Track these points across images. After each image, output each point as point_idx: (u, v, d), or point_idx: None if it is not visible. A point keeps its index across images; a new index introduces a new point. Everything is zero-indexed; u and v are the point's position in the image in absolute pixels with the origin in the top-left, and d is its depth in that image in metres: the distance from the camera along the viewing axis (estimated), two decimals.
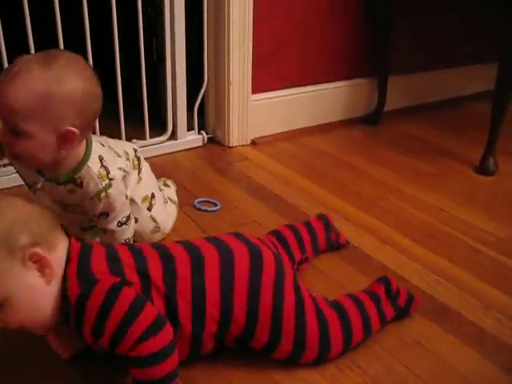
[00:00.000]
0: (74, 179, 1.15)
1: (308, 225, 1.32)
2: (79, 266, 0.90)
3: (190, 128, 2.03)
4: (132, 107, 1.93)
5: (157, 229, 1.36)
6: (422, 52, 2.41)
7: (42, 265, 0.87)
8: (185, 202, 1.61)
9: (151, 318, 0.86)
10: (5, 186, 1.62)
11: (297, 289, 1.02)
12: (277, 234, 1.24)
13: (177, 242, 1.05)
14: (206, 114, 2.08)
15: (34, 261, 0.86)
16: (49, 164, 1.13)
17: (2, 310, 0.85)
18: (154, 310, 0.88)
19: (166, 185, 1.57)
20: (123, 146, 1.31)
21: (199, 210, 1.58)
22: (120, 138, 1.86)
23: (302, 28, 2.06)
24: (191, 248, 1.01)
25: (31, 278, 0.86)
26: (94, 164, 1.14)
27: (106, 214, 1.19)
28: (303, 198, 1.65)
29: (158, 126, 2.01)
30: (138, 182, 1.32)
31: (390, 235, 1.45)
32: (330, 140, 2.13)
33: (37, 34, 1.63)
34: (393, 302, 1.11)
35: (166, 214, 1.41)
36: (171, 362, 0.86)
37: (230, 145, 2.03)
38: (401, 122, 2.32)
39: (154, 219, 1.35)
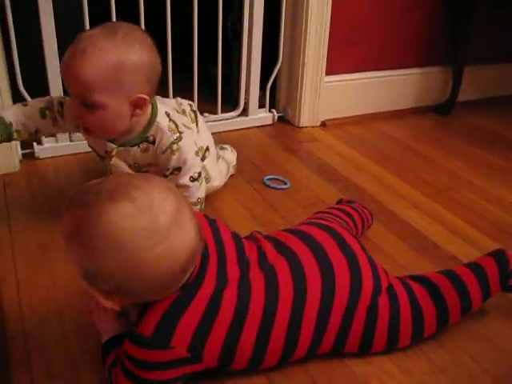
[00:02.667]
0: (146, 138, 1.20)
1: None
2: (170, 310, 0.81)
3: (261, 105, 2.03)
4: (204, 82, 1.95)
5: (207, 180, 1.38)
6: (499, 43, 2.34)
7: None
8: (254, 177, 1.62)
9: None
10: (82, 151, 1.67)
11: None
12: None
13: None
14: (277, 92, 2.08)
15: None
16: (122, 133, 1.18)
17: None
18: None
19: (222, 148, 1.60)
20: (176, 103, 1.37)
21: (268, 186, 1.58)
22: None
23: (380, 12, 2.03)
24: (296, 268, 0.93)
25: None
26: (162, 119, 1.19)
27: (178, 169, 1.23)
28: (372, 182, 1.64)
29: (230, 101, 2.02)
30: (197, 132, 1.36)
31: (461, 227, 1.43)
32: (400, 127, 2.10)
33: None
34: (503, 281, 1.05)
35: (216, 169, 1.44)
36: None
37: (300, 125, 2.02)
38: (474, 114, 2.27)
39: (205, 170, 1.37)
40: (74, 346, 1.01)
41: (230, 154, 1.60)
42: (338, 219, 1.15)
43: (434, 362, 0.99)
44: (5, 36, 1.52)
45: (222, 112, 1.96)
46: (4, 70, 1.53)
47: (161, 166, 1.24)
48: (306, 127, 2.03)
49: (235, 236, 0.95)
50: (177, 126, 1.21)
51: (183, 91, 1.85)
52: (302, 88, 1.97)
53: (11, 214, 1.41)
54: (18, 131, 1.23)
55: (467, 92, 2.31)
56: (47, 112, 1.24)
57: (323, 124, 2.06)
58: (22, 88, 1.58)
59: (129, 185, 0.76)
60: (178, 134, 1.20)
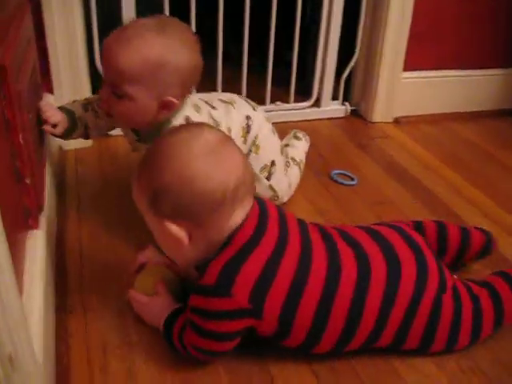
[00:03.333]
0: (158, 134, 1.11)
1: (465, 232, 1.16)
2: (233, 258, 0.85)
3: (334, 97, 2.00)
4: (278, 69, 1.93)
5: (275, 198, 1.34)
6: None
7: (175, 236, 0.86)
8: (322, 171, 1.60)
9: (221, 348, 0.91)
10: None
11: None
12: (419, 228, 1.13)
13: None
14: (352, 85, 2.04)
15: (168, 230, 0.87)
16: (143, 127, 1.16)
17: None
18: (227, 345, 0.91)
19: (296, 137, 1.55)
20: (234, 113, 1.26)
21: (335, 181, 1.56)
22: (264, 100, 1.88)
23: (462, 9, 1.95)
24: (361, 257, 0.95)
25: (165, 231, 0.86)
26: (177, 120, 1.14)
27: None
28: (443, 186, 1.58)
29: (303, 91, 2.00)
30: (254, 151, 1.28)
31: None
32: (477, 129, 2.02)
33: None
34: None
35: (286, 183, 1.37)
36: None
37: (373, 120, 1.98)
38: None
39: (272, 189, 1.33)
40: (129, 322, 1.03)
41: (303, 146, 1.53)
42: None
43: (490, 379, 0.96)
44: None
45: (294, 101, 1.94)
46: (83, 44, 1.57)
47: None
48: (378, 123, 1.98)
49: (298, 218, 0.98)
50: None
51: (259, 76, 1.86)
52: (377, 82, 1.92)
53: (81, 189, 1.44)
54: (79, 118, 1.22)
55: None
56: (88, 106, 1.23)
57: (397, 121, 2.01)
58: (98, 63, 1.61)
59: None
60: None
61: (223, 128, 1.19)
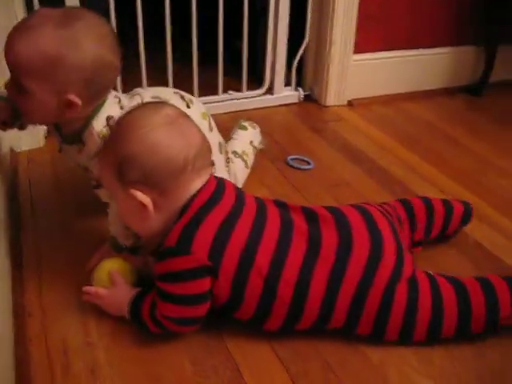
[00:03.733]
0: (79, 138, 1.10)
1: (447, 204, 1.22)
2: (191, 221, 0.91)
3: (286, 84, 2.00)
4: (230, 59, 1.92)
5: None
6: None
7: (140, 203, 0.91)
8: (277, 157, 1.60)
9: (196, 313, 0.93)
10: None
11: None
12: (409, 207, 1.17)
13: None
14: (304, 70, 2.04)
15: (133, 198, 0.90)
16: (50, 123, 1.14)
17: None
18: (201, 308, 0.93)
19: (241, 127, 1.51)
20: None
21: (291, 167, 1.56)
22: (217, 89, 1.87)
23: None
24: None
25: (128, 201, 0.92)
26: (98, 124, 1.07)
27: None
28: (398, 165, 1.60)
29: (255, 80, 2.00)
30: None
31: (489, 213, 1.38)
32: (429, 108, 2.04)
33: None
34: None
35: (232, 177, 1.34)
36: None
37: (327, 104, 1.99)
38: (506, 96, 2.20)
39: None
40: (90, 321, 1.01)
41: (248, 135, 1.49)
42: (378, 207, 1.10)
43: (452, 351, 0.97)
44: None
45: (247, 90, 1.93)
46: None
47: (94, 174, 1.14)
48: (332, 106, 1.99)
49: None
50: None
51: (209, 66, 1.84)
52: (328, 66, 1.93)
53: (33, 190, 1.41)
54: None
55: (500, 72, 2.24)
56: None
57: (350, 103, 2.02)
58: None
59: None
60: None
61: None
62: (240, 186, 1.37)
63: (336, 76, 1.95)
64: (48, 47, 0.96)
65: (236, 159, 1.40)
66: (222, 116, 1.84)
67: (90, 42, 0.98)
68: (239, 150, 1.43)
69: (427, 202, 1.20)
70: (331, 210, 1.03)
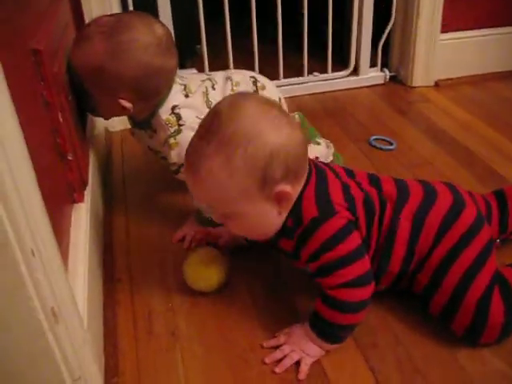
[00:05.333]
0: (149, 125, 1.20)
1: None
2: (318, 191, 0.90)
3: (372, 65, 2.00)
4: (316, 41, 1.94)
5: None
6: None
7: (282, 200, 0.87)
8: (360, 138, 1.62)
9: (364, 268, 0.89)
10: None
11: (482, 256, 0.93)
12: (500, 194, 1.13)
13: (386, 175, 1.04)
14: (390, 51, 2.03)
15: (277, 197, 0.86)
16: (118, 116, 1.24)
17: (230, 220, 0.91)
18: (367, 260, 0.91)
19: (316, 142, 1.43)
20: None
21: (374, 147, 1.57)
22: (302, 71, 1.90)
23: None
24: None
25: (267, 207, 0.87)
26: (163, 112, 1.16)
27: (180, 165, 1.17)
28: (484, 147, 1.57)
29: (341, 61, 2.01)
30: None
31: None
32: None
33: None
34: None
35: None
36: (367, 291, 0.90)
37: (413, 85, 1.97)
38: None
39: None
40: (172, 289, 1.08)
41: (318, 151, 1.42)
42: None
43: None
44: None
45: (332, 71, 1.95)
46: None
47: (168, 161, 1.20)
48: (418, 87, 1.97)
49: None
50: (178, 119, 1.15)
51: (295, 48, 1.87)
52: (415, 46, 1.91)
53: (126, 167, 1.51)
54: None
55: None
56: None
57: (437, 84, 1.99)
58: None
59: None
60: (176, 127, 1.15)
61: None
62: None
63: (423, 56, 1.92)
64: (93, 58, 1.08)
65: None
66: (307, 97, 1.87)
67: (134, 52, 1.08)
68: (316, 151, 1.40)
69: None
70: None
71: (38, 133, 0.86)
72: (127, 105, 1.13)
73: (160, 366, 0.92)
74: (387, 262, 0.96)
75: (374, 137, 1.60)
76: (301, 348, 0.92)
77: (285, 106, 1.31)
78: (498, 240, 1.11)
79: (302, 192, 0.89)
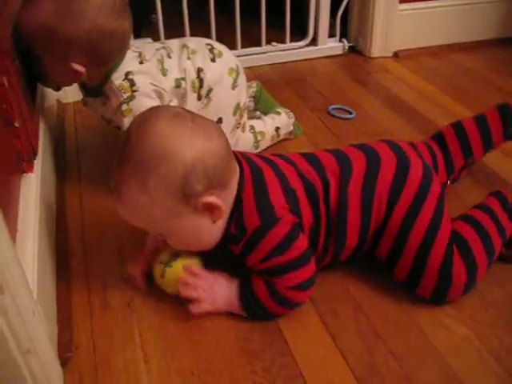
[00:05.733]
0: (101, 92, 1.15)
1: (480, 119, 1.18)
2: (257, 195, 0.88)
3: (331, 35, 1.98)
4: (274, 11, 1.91)
5: None
6: None
7: (213, 210, 0.84)
8: (319, 107, 1.60)
9: (311, 270, 0.90)
10: None
11: (438, 211, 0.93)
12: (439, 137, 1.17)
13: (325, 150, 1.01)
14: (348, 21, 2.01)
15: (206, 208, 0.84)
16: (68, 83, 1.21)
17: (167, 238, 0.90)
18: (313, 262, 0.91)
19: (276, 112, 1.43)
20: (186, 63, 1.20)
21: (333, 116, 1.55)
22: (260, 41, 1.86)
23: None
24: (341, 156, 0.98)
25: (199, 220, 0.85)
26: (116, 78, 1.12)
27: None
28: (442, 115, 1.56)
29: (299, 31, 1.98)
30: (205, 104, 1.23)
31: None
32: (479, 59, 1.98)
33: None
34: (510, 215, 1.03)
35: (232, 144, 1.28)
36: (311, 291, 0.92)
37: (371, 55, 1.96)
38: None
39: None
40: (127, 261, 1.04)
41: (279, 121, 1.41)
42: None
43: (486, 298, 0.97)
44: None
45: (290, 41, 1.92)
46: None
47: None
48: (377, 58, 1.96)
49: None
50: (132, 85, 1.12)
51: (253, 22, 1.84)
52: (373, 16, 1.89)
53: (79, 138, 1.46)
54: None
55: None
56: None
57: (396, 55, 1.98)
58: None
59: None
60: (129, 94, 1.12)
61: (170, 78, 1.18)
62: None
63: (381, 26, 1.91)
64: (45, 20, 1.02)
65: (248, 133, 1.35)
66: (265, 67, 1.85)
67: (87, 13, 1.04)
68: (257, 128, 1.37)
69: (456, 125, 1.18)
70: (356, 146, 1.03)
71: None
72: (80, 69, 1.08)
73: (116, 339, 0.89)
74: (344, 239, 0.95)
75: (333, 106, 1.59)
76: (213, 299, 0.91)
77: (243, 75, 1.29)
78: (449, 181, 1.15)
79: (239, 196, 0.88)
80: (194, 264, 0.93)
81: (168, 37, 1.65)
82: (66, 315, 0.93)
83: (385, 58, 1.96)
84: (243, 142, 1.33)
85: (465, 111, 1.59)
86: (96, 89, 1.16)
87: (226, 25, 1.82)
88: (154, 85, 1.14)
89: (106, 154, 1.37)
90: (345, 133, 1.47)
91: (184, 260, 0.92)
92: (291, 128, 1.42)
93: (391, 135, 1.44)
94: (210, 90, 1.22)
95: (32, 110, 1.15)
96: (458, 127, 1.17)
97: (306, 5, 1.91)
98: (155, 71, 1.16)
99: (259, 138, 1.36)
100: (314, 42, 1.96)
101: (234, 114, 1.27)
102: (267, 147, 1.39)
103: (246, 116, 1.34)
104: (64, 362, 0.84)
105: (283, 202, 0.89)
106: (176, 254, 0.93)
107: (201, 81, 1.21)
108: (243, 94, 1.29)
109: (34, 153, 1.06)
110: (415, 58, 1.97)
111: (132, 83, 1.12)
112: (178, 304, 0.94)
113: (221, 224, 0.88)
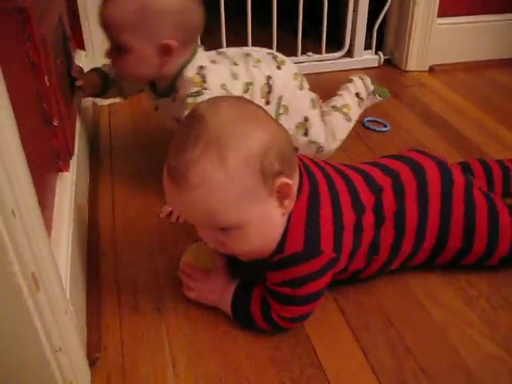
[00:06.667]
0: (174, 87, 1.15)
1: (501, 163, 1.20)
2: (309, 218, 0.83)
3: (367, 47, 1.97)
4: (311, 22, 1.91)
5: (320, 149, 1.31)
6: None
7: (284, 196, 0.80)
8: None
9: (314, 307, 0.89)
10: None
11: (489, 199, 0.99)
12: (464, 165, 1.18)
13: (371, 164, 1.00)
14: (385, 34, 2.00)
15: (279, 191, 0.79)
16: (152, 78, 1.18)
17: (231, 236, 0.80)
18: (319, 302, 0.89)
19: (348, 80, 1.42)
20: (253, 70, 1.21)
21: (367, 128, 1.54)
22: (296, 51, 1.86)
23: None
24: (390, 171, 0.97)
25: (271, 208, 0.80)
26: (190, 71, 1.13)
27: None
28: (477, 131, 1.54)
29: (336, 42, 1.97)
30: (284, 112, 1.24)
31: None
32: None
33: None
34: None
35: (328, 131, 1.32)
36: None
37: (407, 69, 1.94)
38: None
39: (313, 142, 1.29)
40: (158, 264, 1.05)
41: (355, 87, 1.40)
42: None
43: None
44: None
45: (326, 52, 1.91)
46: None
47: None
48: (412, 71, 1.94)
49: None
50: (203, 81, 1.11)
51: (287, 30, 1.84)
52: (411, 30, 1.88)
53: (113, 141, 1.47)
54: (113, 79, 1.29)
55: None
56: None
57: (431, 69, 1.96)
58: None
59: None
60: (198, 89, 1.10)
61: (240, 82, 1.18)
62: (339, 140, 1.34)
63: (418, 40, 1.89)
64: (132, 2, 1.05)
65: (334, 113, 1.35)
66: None
67: None
68: (339, 104, 1.37)
69: (483, 161, 1.20)
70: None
71: (23, 95, 0.82)
72: (173, 44, 1.08)
73: (145, 343, 0.89)
74: (397, 252, 0.95)
75: (368, 118, 1.57)
76: (203, 295, 0.94)
77: (306, 81, 1.30)
78: None
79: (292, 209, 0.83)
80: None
81: (205, 45, 1.66)
82: (96, 316, 0.93)
83: (420, 72, 1.94)
84: (336, 122, 1.34)
85: (499, 127, 1.57)
86: (168, 87, 1.17)
87: (262, 34, 1.82)
88: (224, 88, 1.13)
89: (139, 156, 1.38)
90: (379, 145, 1.46)
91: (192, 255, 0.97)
92: (371, 87, 1.41)
93: (426, 149, 1.42)
94: (280, 97, 1.23)
95: (70, 109, 1.16)
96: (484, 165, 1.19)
97: (343, 16, 1.91)
98: (227, 73, 1.17)
99: (345, 110, 1.36)
100: (349, 53, 1.95)
101: (314, 107, 1.29)
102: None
103: (323, 104, 1.37)
104: (92, 362, 0.84)
105: (331, 235, 0.85)
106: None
107: (269, 87, 1.21)
108: (310, 92, 1.31)
109: (70, 152, 1.07)
110: (451, 72, 1.95)
111: (204, 79, 1.12)
112: (208, 310, 0.94)
113: (285, 219, 0.83)
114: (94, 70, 1.30)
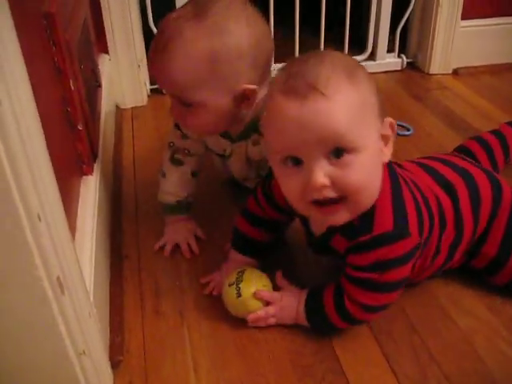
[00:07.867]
0: (256, 127, 1.00)
1: (499, 134, 1.23)
2: (395, 203, 0.81)
3: (389, 50, 1.95)
4: (333, 25, 1.90)
5: None
6: None
7: (389, 139, 0.80)
8: None
9: (393, 299, 0.87)
10: None
11: None
12: (463, 148, 1.20)
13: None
14: (408, 37, 1.98)
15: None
16: (229, 127, 1.01)
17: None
18: (398, 293, 0.87)
19: None
20: None
21: None
22: None
23: None
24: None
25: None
26: None
27: None
28: None
29: (358, 45, 1.96)
30: None
31: None
32: None
33: None
34: None
35: None
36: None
37: (430, 72, 1.92)
38: None
39: None
40: (181, 268, 1.05)
41: None
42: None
43: None
44: None
45: (348, 54, 1.90)
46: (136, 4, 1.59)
47: None
48: (436, 75, 1.92)
49: None
50: None
51: (312, 34, 1.83)
52: (434, 33, 1.86)
53: (136, 144, 1.48)
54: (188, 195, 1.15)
55: None
56: (175, 157, 1.15)
57: (455, 72, 1.94)
58: (151, 24, 1.63)
59: None
60: None
61: None
62: None
63: (442, 43, 1.87)
64: (198, 50, 0.87)
65: None
66: None
67: (234, 22, 0.88)
68: None
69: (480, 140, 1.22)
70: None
71: (48, 100, 0.83)
72: (253, 87, 0.91)
73: (167, 346, 0.90)
74: (453, 255, 0.95)
75: None
76: (280, 317, 0.91)
77: None
78: None
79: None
80: (264, 287, 0.91)
81: None
82: (118, 318, 0.94)
83: (444, 75, 1.92)
84: None
85: None
86: (247, 129, 1.02)
87: (285, 37, 1.82)
88: None
89: (160, 158, 1.38)
90: (402, 149, 1.44)
91: (252, 282, 0.90)
92: None
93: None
94: None
95: (94, 113, 1.17)
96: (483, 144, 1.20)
97: (366, 19, 1.90)
98: None
99: None
100: (372, 56, 1.94)
101: None
102: None
103: None
104: (115, 364, 0.85)
105: (415, 220, 0.82)
106: (241, 272, 0.92)
107: None
108: None
109: (94, 156, 1.08)
110: (475, 75, 1.93)
111: None
112: (231, 317, 0.94)
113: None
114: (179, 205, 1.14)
